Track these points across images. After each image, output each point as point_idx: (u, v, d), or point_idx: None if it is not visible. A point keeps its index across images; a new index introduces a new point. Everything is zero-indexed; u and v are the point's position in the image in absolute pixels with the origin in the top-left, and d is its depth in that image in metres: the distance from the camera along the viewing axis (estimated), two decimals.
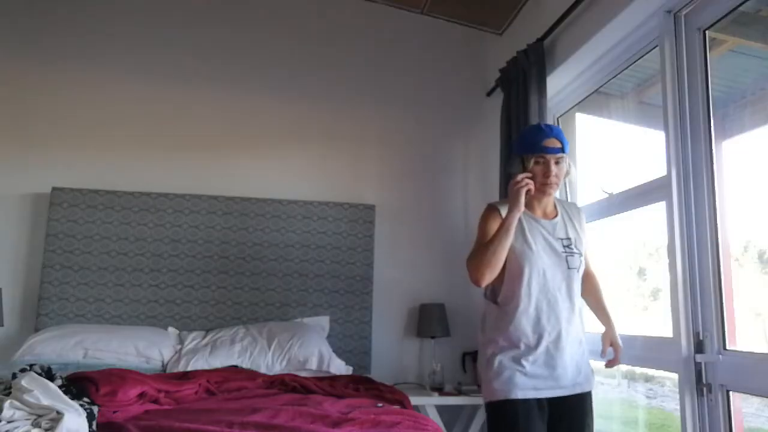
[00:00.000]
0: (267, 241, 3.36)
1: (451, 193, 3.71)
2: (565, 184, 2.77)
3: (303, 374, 2.65)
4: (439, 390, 3.14)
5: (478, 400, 3.04)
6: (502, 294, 2.04)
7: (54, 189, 3.20)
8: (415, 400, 2.85)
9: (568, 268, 2.03)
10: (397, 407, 2.13)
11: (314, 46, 3.68)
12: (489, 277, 1.95)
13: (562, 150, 2.05)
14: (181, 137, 3.45)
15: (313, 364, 2.84)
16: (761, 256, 2.19)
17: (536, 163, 2.05)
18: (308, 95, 3.62)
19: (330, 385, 2.43)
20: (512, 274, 2.01)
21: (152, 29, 3.52)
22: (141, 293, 3.19)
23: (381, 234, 3.55)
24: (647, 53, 2.48)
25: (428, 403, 3.02)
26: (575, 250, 2.06)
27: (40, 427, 1.40)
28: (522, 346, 1.98)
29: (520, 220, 2.02)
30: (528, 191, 1.99)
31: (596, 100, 2.98)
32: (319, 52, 3.68)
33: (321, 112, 3.63)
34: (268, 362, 2.79)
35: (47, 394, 1.52)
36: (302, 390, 2.35)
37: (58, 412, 1.43)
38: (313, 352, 2.86)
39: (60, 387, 1.64)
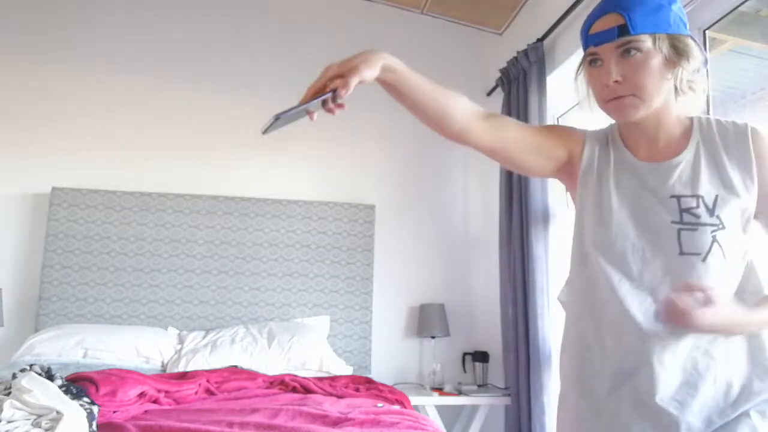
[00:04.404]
0: (267, 241, 3.36)
1: (451, 193, 3.71)
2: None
3: (303, 374, 2.65)
4: (439, 390, 3.13)
5: (478, 400, 3.04)
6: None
7: (54, 189, 3.20)
8: (415, 400, 2.85)
9: (680, 253, 1.04)
10: (397, 407, 2.12)
11: (314, 46, 3.67)
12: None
13: (627, 30, 1.02)
14: (181, 137, 3.45)
15: (313, 364, 2.84)
16: None
17: (591, 63, 1.10)
18: None
19: (330, 385, 2.43)
20: (572, 259, 1.18)
21: (153, 29, 3.52)
22: (141, 293, 3.19)
23: (381, 234, 3.55)
24: None
25: (428, 403, 3.02)
26: (705, 221, 1.04)
27: (40, 427, 1.40)
28: (572, 390, 1.15)
29: (606, 160, 1.15)
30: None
31: None
32: (319, 51, 3.67)
33: (321, 111, 3.62)
34: (268, 362, 2.79)
35: (47, 394, 1.51)
36: (302, 390, 2.35)
37: (58, 412, 1.43)
38: (313, 352, 2.87)
39: (60, 387, 1.64)
